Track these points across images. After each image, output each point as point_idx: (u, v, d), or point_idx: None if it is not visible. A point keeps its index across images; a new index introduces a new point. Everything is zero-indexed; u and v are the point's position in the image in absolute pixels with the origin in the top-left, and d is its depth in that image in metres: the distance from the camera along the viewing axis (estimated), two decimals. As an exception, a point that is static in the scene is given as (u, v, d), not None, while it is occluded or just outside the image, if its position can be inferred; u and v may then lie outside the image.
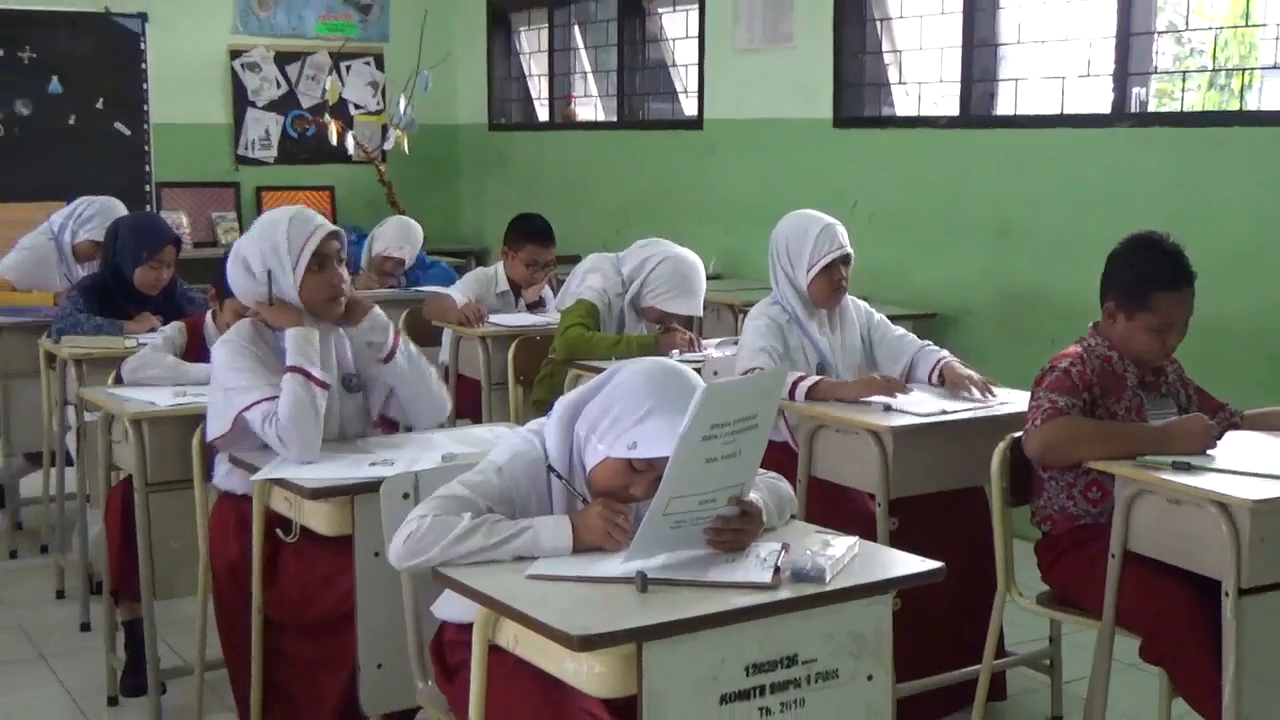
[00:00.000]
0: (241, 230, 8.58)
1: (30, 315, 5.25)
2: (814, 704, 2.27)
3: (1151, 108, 5.40)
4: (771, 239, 4.06)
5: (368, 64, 9.14)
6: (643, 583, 2.24)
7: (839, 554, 2.38)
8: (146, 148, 8.44)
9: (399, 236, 6.29)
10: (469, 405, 5.20)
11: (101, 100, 8.29)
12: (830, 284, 3.98)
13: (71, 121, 8.22)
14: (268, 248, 3.27)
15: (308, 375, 3.15)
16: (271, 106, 8.88)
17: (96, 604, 4.35)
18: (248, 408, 3.14)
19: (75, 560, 4.61)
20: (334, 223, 8.84)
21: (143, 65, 8.37)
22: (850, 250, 4.02)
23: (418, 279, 6.21)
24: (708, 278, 4.97)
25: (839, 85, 6.52)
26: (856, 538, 2.50)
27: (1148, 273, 3.25)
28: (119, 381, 3.99)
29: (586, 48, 8.66)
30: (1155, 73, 5.43)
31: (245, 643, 3.20)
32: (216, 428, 3.26)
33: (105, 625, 4.04)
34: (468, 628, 2.40)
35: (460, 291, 5.47)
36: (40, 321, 5.07)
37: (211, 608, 3.43)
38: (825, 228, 3.99)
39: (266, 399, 3.14)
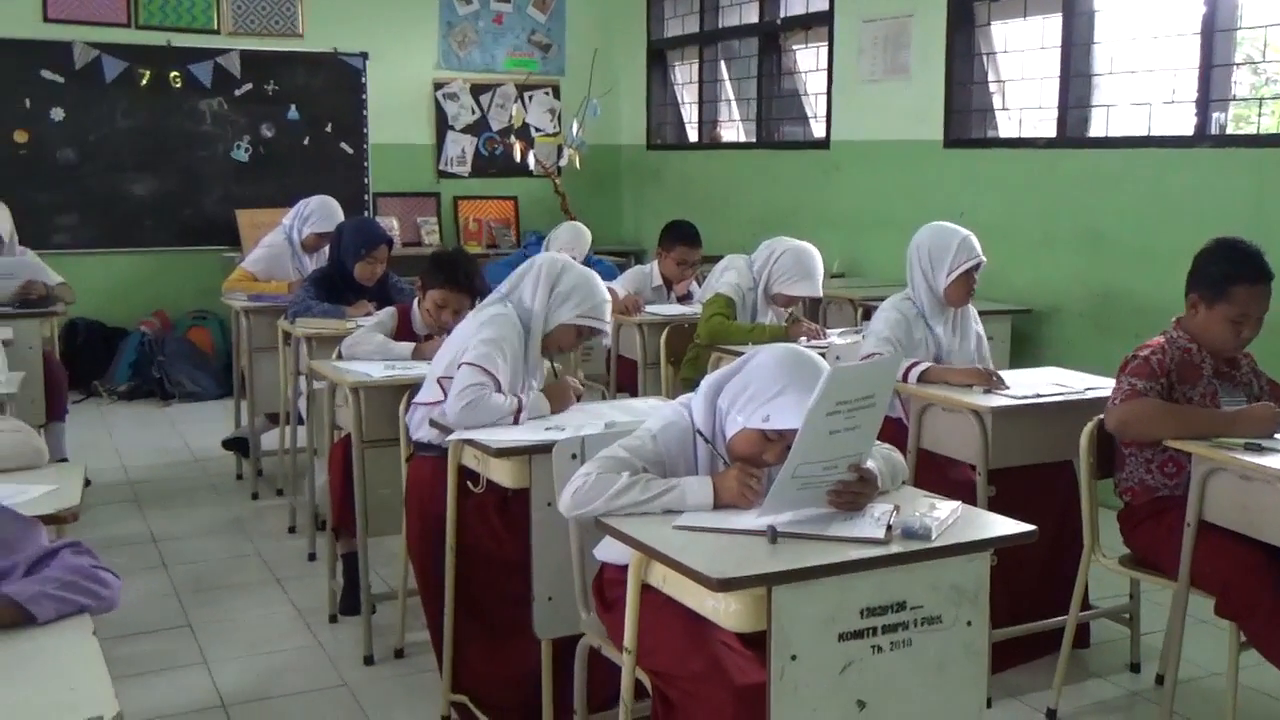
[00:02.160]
0: (441, 233, 8.77)
1: (270, 301, 5.40)
2: (919, 644, 2.23)
3: (1230, 131, 5.17)
4: (912, 245, 3.95)
5: (547, 93, 9.21)
6: (773, 535, 2.22)
7: (943, 516, 2.33)
8: (365, 164, 8.64)
9: (571, 238, 6.34)
10: (628, 382, 5.22)
11: (329, 125, 8.51)
12: (965, 287, 3.88)
13: (305, 142, 8.45)
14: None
15: (518, 414, 3.19)
16: (467, 129, 9.01)
17: (321, 539, 4.48)
18: (469, 386, 3.16)
19: (304, 502, 4.74)
20: (516, 227, 9.00)
21: (363, 95, 8.57)
22: (984, 259, 3.92)
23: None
24: (832, 276, 4.92)
25: (949, 110, 6.38)
26: (959, 502, 2.45)
27: (1228, 267, 3.13)
28: (340, 356, 4.09)
29: (731, 79, 8.61)
30: (1234, 99, 5.19)
31: (438, 574, 3.25)
32: (432, 394, 3.31)
33: (327, 556, 4.15)
34: (624, 568, 2.42)
35: (622, 286, 5.49)
36: (279, 306, 5.20)
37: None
38: (965, 238, 3.88)
39: (477, 384, 3.17)
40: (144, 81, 7.93)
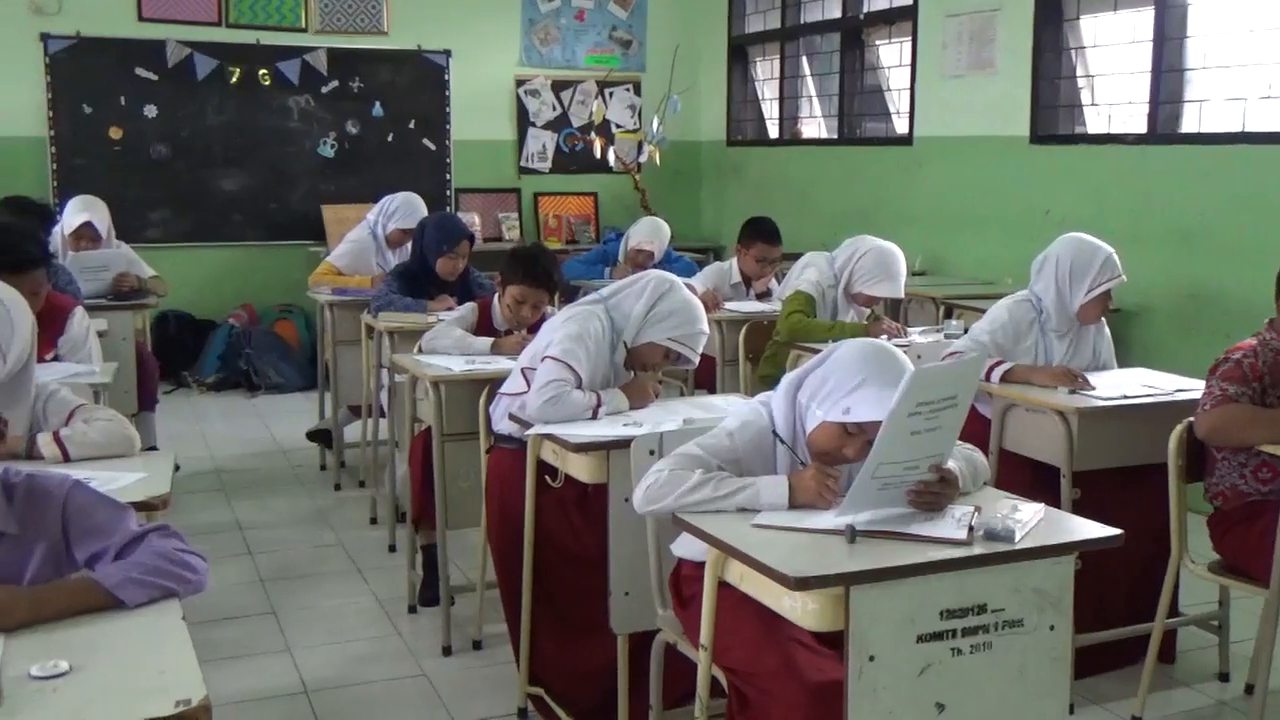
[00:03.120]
0: (522, 228, 8.82)
1: (354, 295, 5.48)
2: (1000, 648, 2.19)
3: (1329, 126, 5.02)
4: (1050, 254, 3.83)
5: (628, 90, 9.22)
6: (852, 534, 2.20)
7: (1026, 518, 2.29)
8: (448, 160, 8.72)
9: (650, 233, 6.36)
10: (706, 378, 5.20)
11: (413, 121, 8.60)
12: (1101, 306, 3.80)
13: (390, 139, 8.55)
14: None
15: (596, 409, 3.20)
16: (548, 126, 9.05)
17: (401, 530, 4.53)
18: (550, 381, 3.18)
19: (385, 494, 4.81)
20: (596, 223, 9.03)
21: (446, 92, 8.65)
22: (1124, 278, 3.82)
23: (665, 270, 6.24)
24: (913, 274, 4.87)
25: (1036, 106, 6.26)
26: (1042, 504, 2.40)
27: None
28: (421, 350, 4.14)
29: (812, 74, 8.55)
30: (1335, 94, 5.04)
31: (516, 567, 3.27)
32: (517, 386, 3.34)
33: (407, 547, 4.20)
34: (701, 565, 2.41)
35: (700, 282, 5.48)
36: (362, 300, 5.26)
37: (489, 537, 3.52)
38: (1109, 257, 3.78)
39: (558, 380, 3.18)
40: (234, 79, 8.09)
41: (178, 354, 7.87)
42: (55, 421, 2.86)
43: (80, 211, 5.64)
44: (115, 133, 7.89)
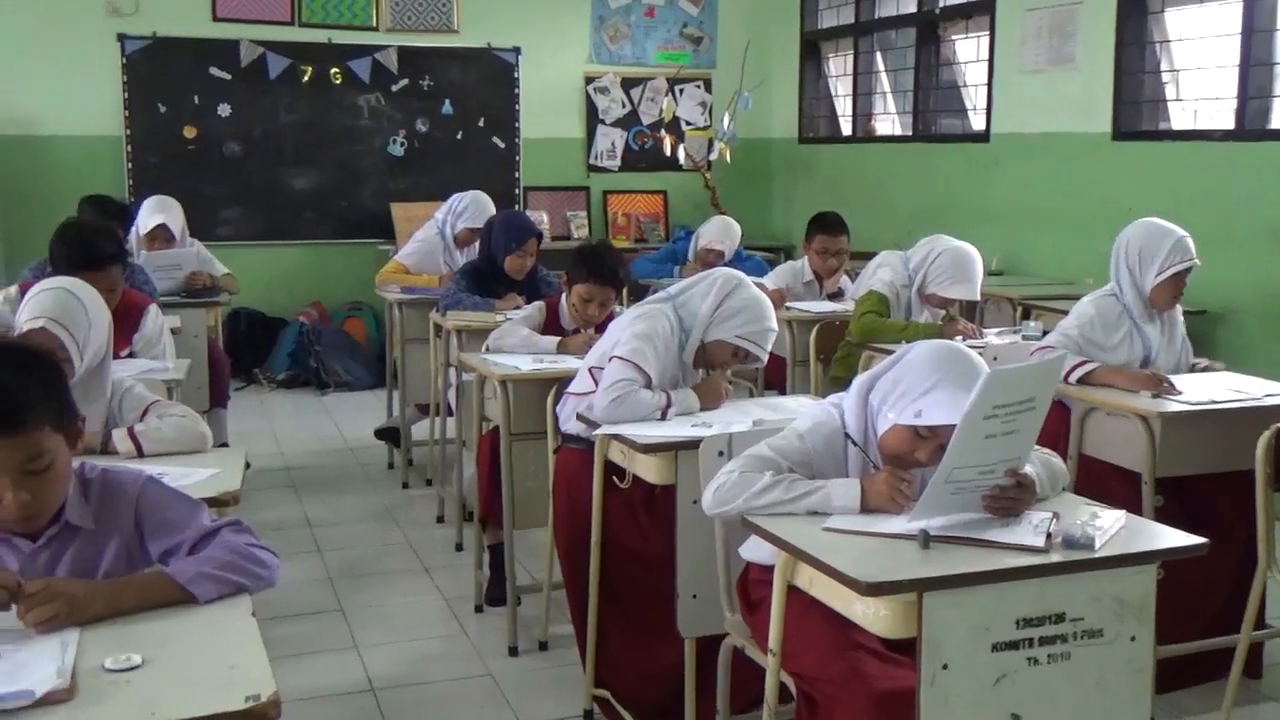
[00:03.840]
0: (590, 227, 8.85)
1: (422, 294, 5.52)
2: (1079, 658, 2.16)
3: None
4: (1120, 240, 3.79)
5: (698, 87, 9.21)
6: (925, 540, 2.18)
7: (1107, 525, 2.25)
8: (517, 158, 8.78)
9: (721, 232, 6.34)
10: (776, 379, 5.18)
11: (482, 119, 8.66)
12: (1174, 290, 3.73)
13: (459, 137, 8.62)
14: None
15: (665, 409, 3.20)
16: (617, 123, 9.07)
17: (468, 529, 4.56)
18: (618, 381, 3.18)
19: (453, 493, 4.84)
20: (665, 222, 9.01)
21: (515, 90, 8.71)
22: (1198, 261, 3.75)
23: (735, 269, 6.22)
24: (990, 274, 4.80)
25: (1118, 101, 6.15)
26: (1123, 511, 2.36)
27: None
28: (488, 349, 4.16)
29: (886, 70, 8.47)
30: None
31: (583, 568, 3.28)
32: (584, 385, 3.36)
33: (474, 547, 4.23)
34: (770, 569, 2.40)
35: (771, 281, 5.45)
36: (431, 299, 5.30)
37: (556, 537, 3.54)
38: (1180, 239, 3.71)
39: (626, 380, 3.18)
40: (305, 78, 8.21)
41: (249, 351, 8.00)
42: (130, 417, 2.92)
43: (155, 213, 5.73)
44: (189, 132, 8.04)
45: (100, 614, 1.81)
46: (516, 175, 8.79)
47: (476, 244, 5.53)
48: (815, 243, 5.44)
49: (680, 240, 6.79)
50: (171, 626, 1.81)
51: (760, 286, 3.51)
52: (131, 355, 3.99)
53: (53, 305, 2.93)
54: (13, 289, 4.11)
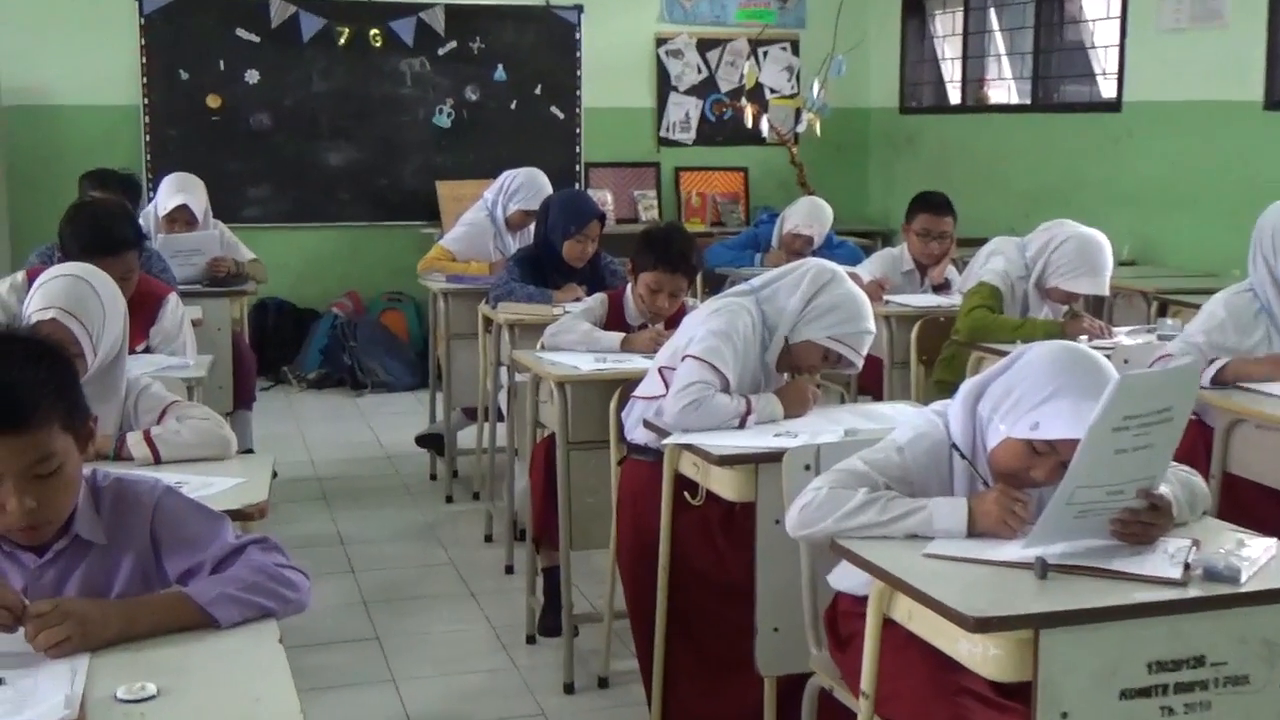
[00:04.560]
0: (660, 208, 8.86)
1: (470, 283, 5.56)
2: (1221, 709, 2.12)
3: None
4: (1259, 226, 3.70)
5: (784, 49, 9.18)
6: (1042, 569, 2.16)
7: (1256, 555, 2.22)
8: (577, 130, 8.82)
9: (809, 216, 6.32)
10: (872, 383, 5.15)
11: (539, 86, 8.71)
12: None
13: (513, 106, 8.67)
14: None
15: (745, 417, 3.19)
16: (691, 91, 9.07)
17: (519, 549, 4.59)
18: (691, 384, 3.18)
19: (502, 508, 4.87)
20: (745, 203, 8.99)
21: (577, 54, 8.74)
22: None
23: (825, 258, 6.20)
24: (1120, 264, 4.74)
25: (1273, 66, 6.04)
26: (1275, 540, 2.32)
27: None
28: (544, 346, 4.17)
29: (1002, 30, 8.40)
30: None
31: (649, 595, 3.28)
32: (653, 388, 3.37)
33: (527, 570, 4.25)
34: (862, 600, 2.39)
35: (867, 270, 5.43)
36: (480, 289, 5.33)
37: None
38: None
39: (701, 382, 3.18)
40: (342, 40, 8.30)
41: (276, 347, 8.11)
42: (146, 419, 2.97)
43: (175, 193, 5.79)
44: (213, 101, 8.17)
45: (113, 638, 1.85)
46: (577, 150, 8.83)
47: (531, 228, 5.56)
48: (916, 223, 5.41)
49: (762, 224, 6.78)
50: (190, 653, 1.84)
51: (854, 278, 3.49)
52: (148, 350, 4.05)
53: (64, 294, 2.99)
54: (19, 276, 4.19)
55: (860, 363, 3.32)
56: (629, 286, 4.21)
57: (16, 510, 1.90)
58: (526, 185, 5.82)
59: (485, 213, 5.94)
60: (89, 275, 3.09)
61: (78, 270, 3.11)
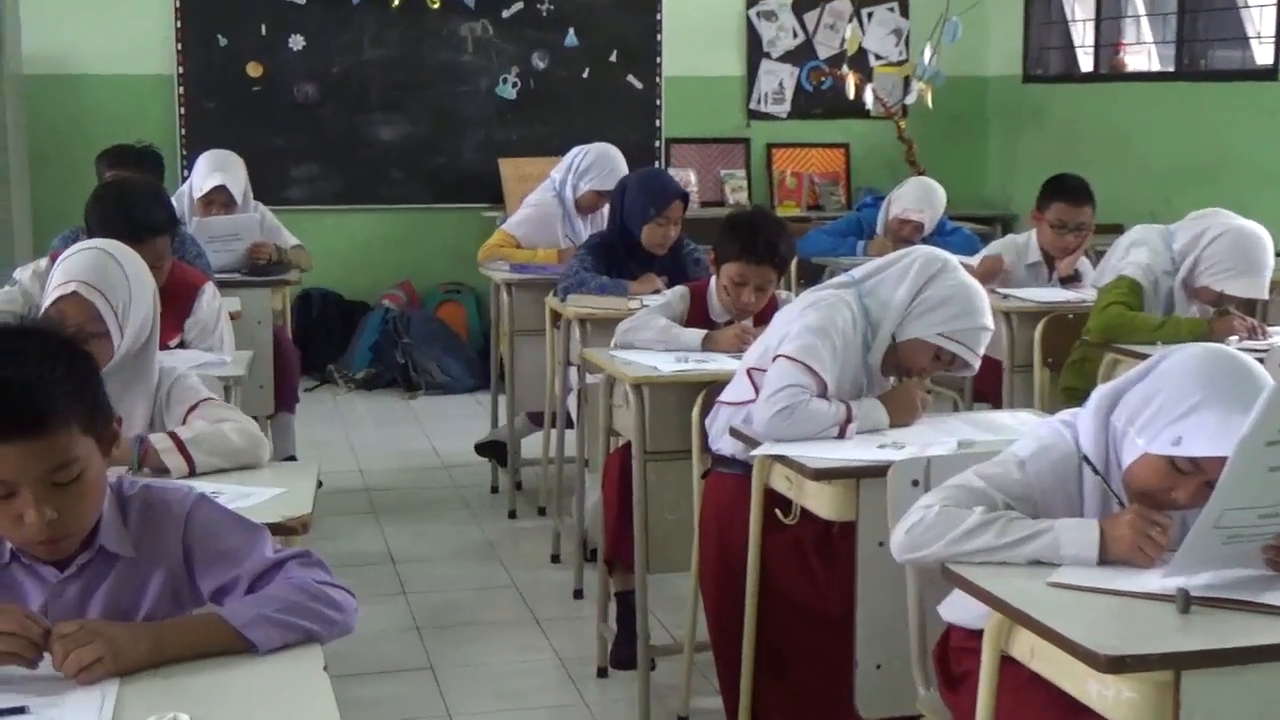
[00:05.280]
0: (750, 189, 8.84)
1: (537, 273, 5.59)
2: (1392, 765, 2.08)
3: None
4: None
5: (891, 10, 9.13)
6: (1184, 602, 2.13)
7: None
8: (658, 102, 8.83)
9: (919, 199, 6.28)
10: (989, 388, 5.11)
11: (615, 53, 8.73)
12: None
13: (585, 75, 8.70)
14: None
15: (845, 425, 3.18)
16: (786, 58, 9.05)
17: (590, 571, 4.60)
18: (784, 387, 3.17)
19: (572, 525, 4.89)
20: (847, 183, 8.96)
21: (658, 16, 8.76)
22: None
23: (937, 246, 6.16)
24: (1277, 255, 4.65)
25: None
26: None
27: None
28: (618, 344, 4.17)
29: (1141, -13, 8.31)
30: None
31: (735, 625, 3.28)
32: (740, 392, 3.36)
33: (598, 594, 4.27)
34: (977, 634, 2.38)
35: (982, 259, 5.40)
36: (548, 279, 5.35)
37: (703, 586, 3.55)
38: None
39: (795, 386, 3.17)
40: (396, 2, 8.37)
41: (321, 342, 8.20)
42: (177, 412, 2.98)
43: (212, 172, 5.86)
44: (254, 70, 8.27)
45: (146, 662, 1.88)
46: (657, 124, 8.84)
47: (604, 211, 5.57)
48: (1051, 212, 5.35)
49: (866, 208, 6.75)
50: (225, 680, 1.87)
51: (968, 269, 3.47)
52: (182, 345, 4.10)
53: (86, 268, 3.02)
54: (42, 262, 4.26)
55: (976, 364, 3.30)
56: (713, 278, 4.21)
57: (35, 522, 1.93)
58: (599, 162, 5.84)
59: (552, 193, 5.96)
60: (113, 249, 3.12)
61: (100, 243, 3.16)
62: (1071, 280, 5.40)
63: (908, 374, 3.35)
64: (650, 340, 4.10)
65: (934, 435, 3.17)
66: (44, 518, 1.93)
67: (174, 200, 5.25)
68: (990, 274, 5.14)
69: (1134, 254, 4.71)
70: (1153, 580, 2.22)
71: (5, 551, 2.03)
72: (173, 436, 2.87)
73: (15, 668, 1.85)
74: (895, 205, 6.33)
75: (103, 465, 2.02)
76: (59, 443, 1.92)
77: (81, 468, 1.95)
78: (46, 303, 3.07)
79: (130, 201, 4.04)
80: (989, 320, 3.27)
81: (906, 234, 6.15)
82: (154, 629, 1.94)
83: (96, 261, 3.05)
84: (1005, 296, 5.11)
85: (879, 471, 2.78)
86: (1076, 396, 3.07)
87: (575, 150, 5.98)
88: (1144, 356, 2.52)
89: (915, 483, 2.67)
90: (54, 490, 1.93)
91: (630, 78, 8.78)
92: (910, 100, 8.56)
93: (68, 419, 1.93)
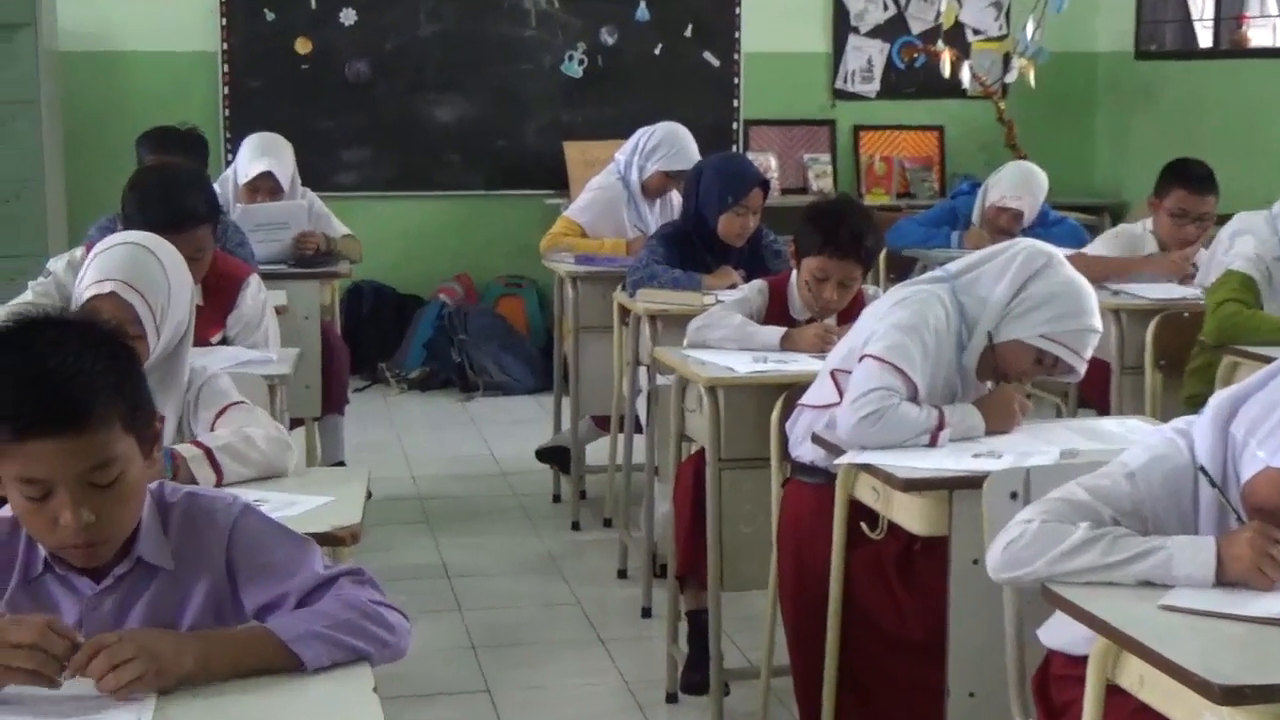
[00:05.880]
0: (836, 175, 8.82)
1: (605, 265, 5.59)
2: None
3: None
4: None
5: (991, -19, 9.09)
6: (1310, 628, 2.11)
7: None
8: (736, 80, 8.82)
9: (1018, 185, 6.23)
10: (1096, 393, 5.07)
11: (690, 27, 8.74)
12: None
13: (657, 52, 8.71)
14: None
15: (937, 432, 3.17)
16: (876, 33, 9.02)
17: (660, 588, 4.61)
18: (871, 390, 3.16)
19: (640, 538, 4.90)
20: (941, 169, 8.92)
21: (736, -13, 8.76)
22: None
23: (1038, 237, 6.12)
24: None
25: None
26: None
27: None
28: (690, 342, 4.17)
29: (1267, -45, 8.21)
30: None
31: (816, 648, 3.28)
32: (824, 395, 3.37)
33: (668, 613, 4.27)
34: (1081, 661, 2.36)
35: (1094, 253, 5.35)
36: (615, 272, 5.37)
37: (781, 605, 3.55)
38: None
39: (883, 389, 3.16)
40: (454, -28, 8.44)
41: (373, 339, 8.25)
42: (205, 417, 3.01)
43: (258, 157, 5.90)
44: (302, 46, 8.35)
45: (190, 676, 1.90)
46: (735, 104, 8.84)
47: (672, 196, 5.57)
48: (1171, 200, 5.31)
49: (961, 195, 6.71)
50: (270, 699, 1.89)
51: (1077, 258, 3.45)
52: (224, 341, 4.14)
53: (124, 265, 3.05)
54: (78, 252, 4.30)
55: (1081, 369, 3.27)
56: (794, 272, 4.20)
57: (71, 524, 1.94)
58: (667, 141, 5.85)
59: (616, 176, 5.97)
60: (152, 244, 3.15)
61: (138, 238, 3.18)
62: (1189, 278, 5.35)
63: (1005, 378, 3.33)
64: (724, 338, 4.10)
65: (1034, 444, 3.15)
66: (80, 520, 1.94)
67: (216, 186, 5.27)
68: (1106, 273, 5.08)
69: (1239, 244, 4.66)
70: (1274, 604, 2.20)
71: (38, 562, 2.05)
72: (200, 445, 2.89)
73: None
74: (992, 192, 6.29)
75: (143, 467, 2.03)
76: (99, 440, 1.94)
77: (122, 468, 1.97)
78: (80, 300, 3.09)
79: (171, 188, 4.07)
80: (1097, 321, 3.24)
81: (1004, 223, 6.11)
82: (201, 641, 1.95)
83: (135, 259, 3.08)
84: (1115, 292, 5.06)
85: (974, 483, 2.77)
86: (1197, 404, 3.03)
87: (642, 130, 5.98)
88: (1267, 359, 2.49)
89: (1014, 495, 2.66)
90: (92, 491, 1.95)
91: (706, 54, 8.77)
92: (1011, 79, 8.51)
93: (109, 415, 1.95)
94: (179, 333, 3.06)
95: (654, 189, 5.90)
